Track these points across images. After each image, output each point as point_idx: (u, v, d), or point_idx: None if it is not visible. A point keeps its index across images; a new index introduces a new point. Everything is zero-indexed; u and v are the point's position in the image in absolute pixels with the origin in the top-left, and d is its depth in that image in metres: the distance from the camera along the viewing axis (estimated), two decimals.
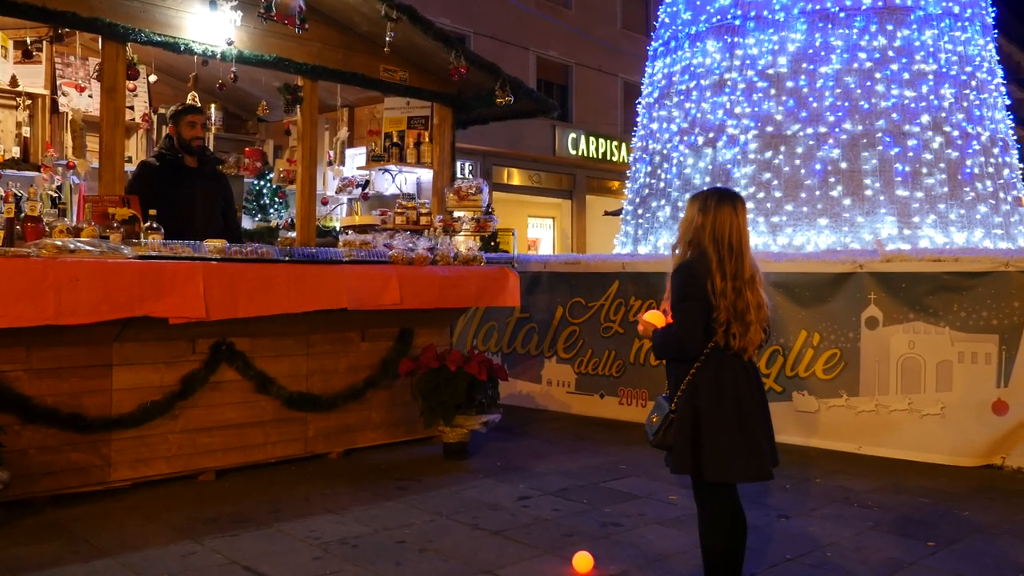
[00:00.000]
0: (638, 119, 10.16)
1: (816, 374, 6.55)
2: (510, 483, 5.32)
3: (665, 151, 9.36)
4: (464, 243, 6.22)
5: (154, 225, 5.00)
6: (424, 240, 5.94)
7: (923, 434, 6.08)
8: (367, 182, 6.73)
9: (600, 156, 24.92)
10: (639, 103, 10.20)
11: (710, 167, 8.83)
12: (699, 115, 9.03)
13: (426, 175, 6.77)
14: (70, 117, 5.66)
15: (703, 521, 3.34)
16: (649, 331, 3.37)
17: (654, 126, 9.66)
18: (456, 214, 6.48)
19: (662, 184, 9.33)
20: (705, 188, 3.61)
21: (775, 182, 8.41)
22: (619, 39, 25.41)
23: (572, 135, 24.00)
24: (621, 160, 25.86)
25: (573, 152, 24.10)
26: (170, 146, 5.78)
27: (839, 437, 6.40)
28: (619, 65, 25.17)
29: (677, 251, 3.36)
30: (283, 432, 5.65)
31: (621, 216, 10.29)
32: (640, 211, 9.64)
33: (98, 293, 4.33)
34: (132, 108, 6.98)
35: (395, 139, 6.67)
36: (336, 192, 7.05)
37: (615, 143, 25.22)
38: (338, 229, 6.72)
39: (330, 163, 6.96)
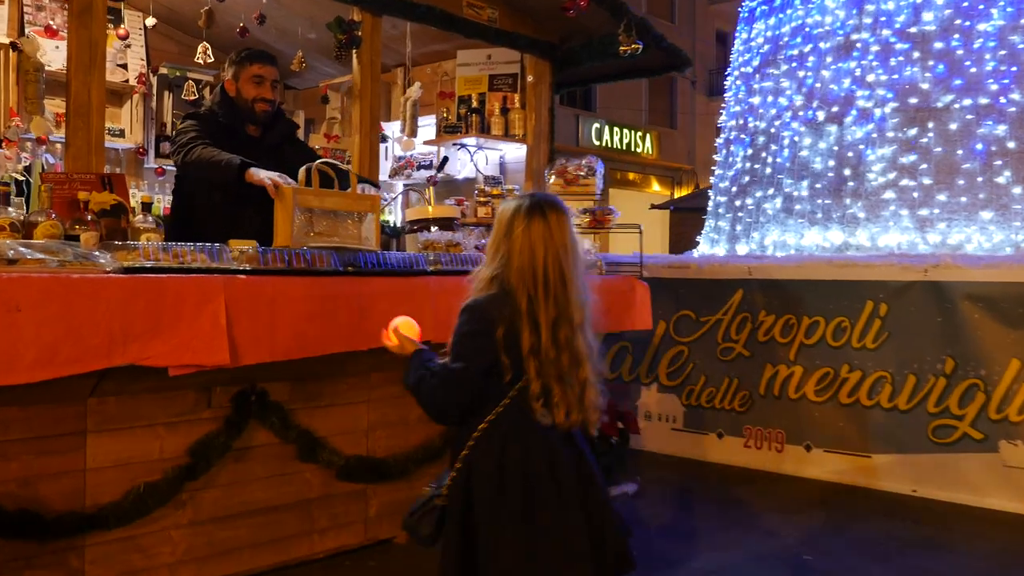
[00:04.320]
0: (727, 92, 8.55)
1: None
2: None
3: (772, 130, 7.72)
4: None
5: (149, 220, 3.32)
6: None
7: None
8: (445, 160, 4.90)
9: (624, 147, 23.95)
10: (730, 74, 8.58)
11: (835, 148, 7.20)
12: (818, 85, 7.39)
13: (512, 152, 5.07)
14: (24, 54, 3.90)
15: None
16: (405, 348, 2.63)
17: (755, 100, 8.02)
18: None
19: (769, 170, 7.69)
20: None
21: (923, 166, 6.79)
22: None
23: (595, 125, 23.29)
24: (645, 152, 24.89)
25: (596, 143, 23.22)
26: (226, 106, 4.01)
27: None
28: None
29: (473, 285, 2.48)
30: (335, 514, 3.97)
31: (709, 209, 8.64)
32: (738, 202, 7.99)
33: (54, 331, 2.61)
34: (125, 67, 5.42)
35: (474, 104, 4.94)
36: (389, 176, 5.34)
37: (639, 133, 24.35)
38: (394, 225, 5.02)
39: (384, 138, 5.20)
